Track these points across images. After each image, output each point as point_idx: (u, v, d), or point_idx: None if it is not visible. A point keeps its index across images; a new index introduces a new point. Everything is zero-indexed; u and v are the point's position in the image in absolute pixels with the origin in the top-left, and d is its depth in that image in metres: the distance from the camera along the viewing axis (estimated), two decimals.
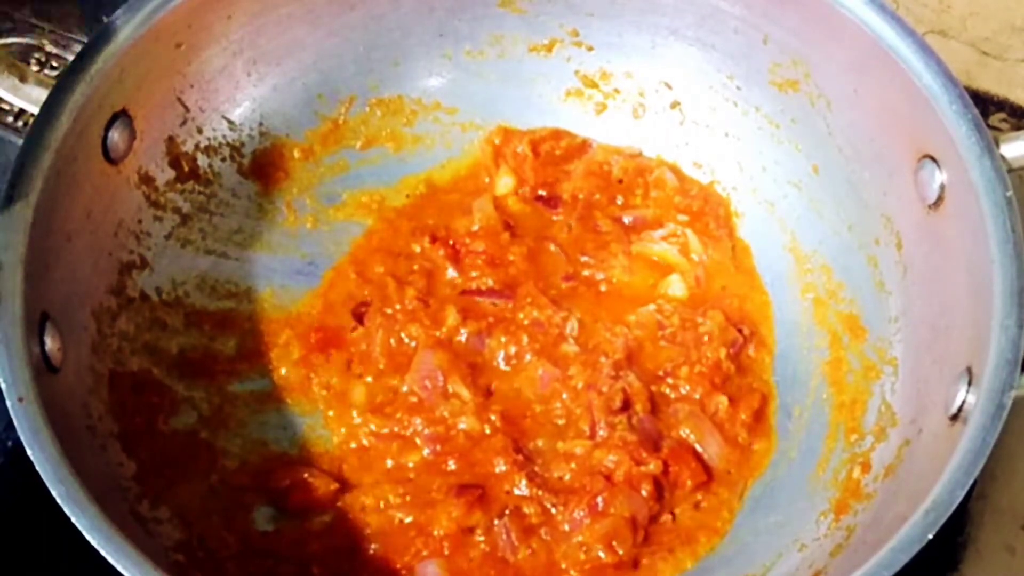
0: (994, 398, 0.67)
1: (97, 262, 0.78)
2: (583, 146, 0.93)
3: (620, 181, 0.92)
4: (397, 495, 0.80)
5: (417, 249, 0.90)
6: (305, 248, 0.90)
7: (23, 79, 0.76)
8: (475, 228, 0.90)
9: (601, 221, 0.91)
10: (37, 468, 0.64)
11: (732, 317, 0.87)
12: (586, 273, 0.89)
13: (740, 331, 0.87)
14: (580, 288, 0.89)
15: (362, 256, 0.90)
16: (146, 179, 0.83)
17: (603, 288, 0.89)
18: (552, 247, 0.90)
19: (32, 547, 0.79)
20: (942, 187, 0.77)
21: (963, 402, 0.70)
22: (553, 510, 0.79)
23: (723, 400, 0.83)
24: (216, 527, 0.77)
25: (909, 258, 0.81)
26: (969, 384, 0.70)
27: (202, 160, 0.87)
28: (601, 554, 0.78)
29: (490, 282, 0.88)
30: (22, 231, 0.70)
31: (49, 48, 0.98)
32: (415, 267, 0.89)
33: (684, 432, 0.82)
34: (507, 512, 0.79)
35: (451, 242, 0.90)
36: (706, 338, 0.85)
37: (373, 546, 0.78)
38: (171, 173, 0.85)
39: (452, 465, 0.81)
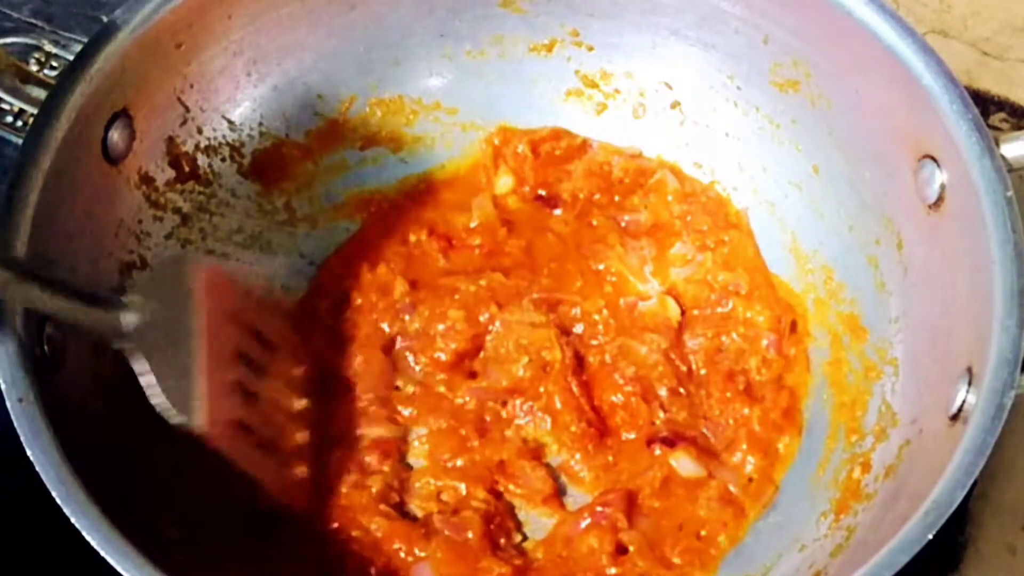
0: (994, 398, 0.67)
1: (97, 262, 0.78)
2: (583, 146, 0.93)
3: (621, 182, 0.92)
4: (396, 496, 0.81)
5: (412, 239, 0.90)
6: (305, 248, 0.91)
7: (23, 79, 0.76)
8: (473, 225, 0.90)
9: (598, 220, 0.91)
10: (37, 468, 0.64)
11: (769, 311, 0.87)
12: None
13: (779, 322, 0.87)
14: (573, 270, 0.89)
15: (355, 252, 0.90)
16: (146, 179, 0.83)
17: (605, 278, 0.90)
18: (549, 236, 0.90)
19: (32, 547, 0.79)
20: (942, 187, 0.77)
21: (963, 402, 0.70)
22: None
23: (756, 410, 0.84)
24: (216, 527, 0.77)
25: (909, 258, 0.81)
26: (969, 384, 0.70)
27: (202, 160, 0.87)
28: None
29: (482, 282, 0.88)
30: (22, 231, 0.70)
31: (49, 48, 0.98)
32: (406, 255, 0.89)
33: None
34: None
35: (449, 238, 0.90)
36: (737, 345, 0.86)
37: (373, 547, 0.78)
38: (171, 173, 0.85)
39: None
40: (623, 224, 0.91)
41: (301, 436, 0.81)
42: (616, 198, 0.92)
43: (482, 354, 0.86)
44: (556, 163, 0.93)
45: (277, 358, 0.80)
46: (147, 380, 0.69)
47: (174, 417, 0.70)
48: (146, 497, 0.75)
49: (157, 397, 0.70)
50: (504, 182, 0.93)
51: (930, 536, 0.64)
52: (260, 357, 0.79)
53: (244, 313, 0.78)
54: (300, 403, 0.81)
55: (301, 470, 0.80)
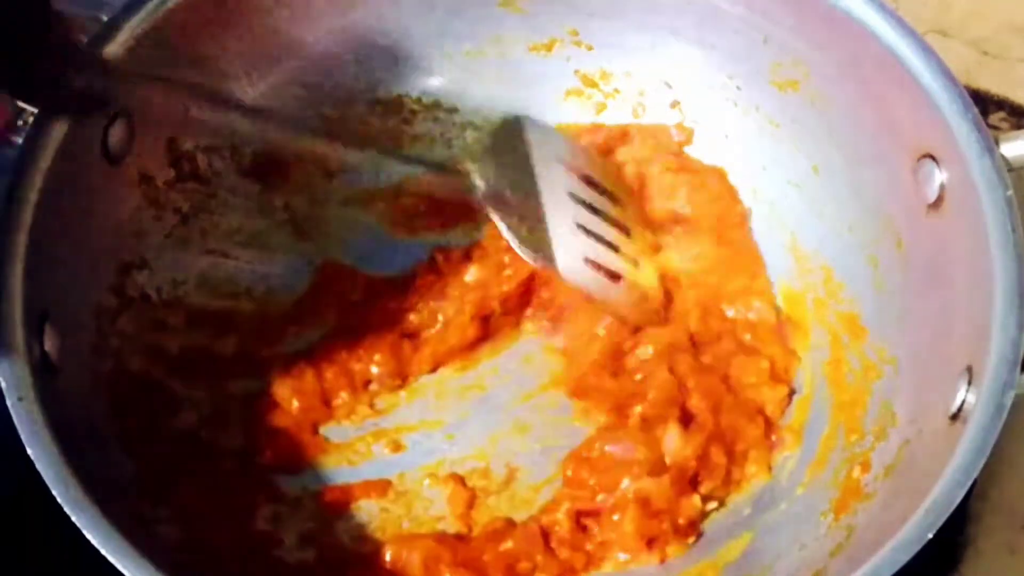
0: (994, 398, 0.67)
1: (97, 262, 0.78)
2: (623, 137, 0.93)
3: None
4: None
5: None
6: (305, 247, 0.90)
7: None
8: None
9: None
10: (37, 468, 0.64)
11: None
12: None
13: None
14: None
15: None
16: (146, 178, 0.83)
17: None
18: None
19: (32, 547, 0.79)
20: (942, 187, 0.77)
21: (963, 402, 0.70)
22: None
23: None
24: (216, 527, 0.77)
25: (909, 258, 0.81)
26: (969, 384, 0.70)
27: (202, 159, 0.87)
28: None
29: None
30: (22, 231, 0.70)
31: None
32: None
33: None
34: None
35: None
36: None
37: (373, 548, 0.78)
38: (171, 173, 0.85)
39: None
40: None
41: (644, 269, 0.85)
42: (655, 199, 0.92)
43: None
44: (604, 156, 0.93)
45: (606, 198, 0.87)
46: (507, 234, 0.80)
47: (536, 261, 0.81)
48: (146, 496, 0.75)
49: (518, 247, 0.81)
50: None
51: (930, 536, 0.64)
52: (591, 198, 0.85)
53: (572, 159, 0.87)
54: (628, 239, 0.86)
55: (644, 295, 0.85)
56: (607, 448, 0.79)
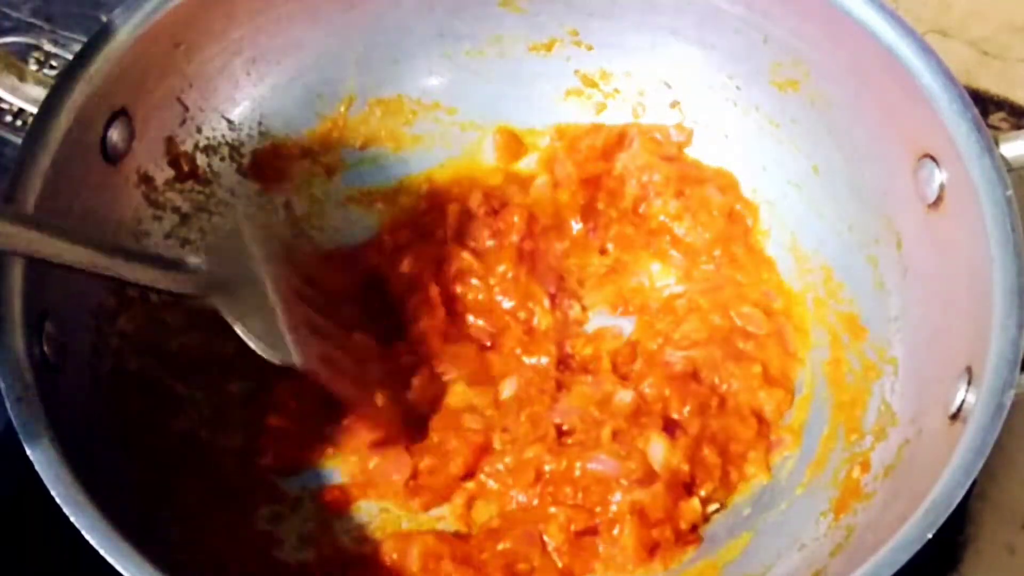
0: (994, 398, 0.67)
1: None
2: (621, 139, 0.92)
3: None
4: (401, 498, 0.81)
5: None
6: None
7: (22, 78, 0.75)
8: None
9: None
10: (37, 468, 0.64)
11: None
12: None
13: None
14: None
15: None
16: (145, 179, 0.83)
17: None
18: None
19: (32, 547, 0.79)
20: (942, 186, 0.77)
21: (963, 402, 0.70)
22: None
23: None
24: (216, 527, 0.77)
25: (909, 258, 0.81)
26: (969, 384, 0.70)
27: (201, 160, 0.87)
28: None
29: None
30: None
31: (48, 47, 0.98)
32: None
33: None
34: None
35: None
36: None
37: (372, 548, 0.78)
38: (170, 173, 0.85)
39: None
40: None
41: (372, 368, 0.82)
42: (658, 202, 0.92)
43: None
44: (599, 159, 0.92)
45: (325, 297, 0.84)
46: (240, 330, 0.74)
47: (273, 357, 0.74)
48: (146, 496, 0.75)
49: (252, 341, 0.74)
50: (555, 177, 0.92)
51: (929, 535, 0.64)
52: (313, 297, 0.82)
53: (292, 260, 0.83)
54: (360, 337, 0.83)
55: (381, 399, 0.81)
56: (588, 466, 0.79)
